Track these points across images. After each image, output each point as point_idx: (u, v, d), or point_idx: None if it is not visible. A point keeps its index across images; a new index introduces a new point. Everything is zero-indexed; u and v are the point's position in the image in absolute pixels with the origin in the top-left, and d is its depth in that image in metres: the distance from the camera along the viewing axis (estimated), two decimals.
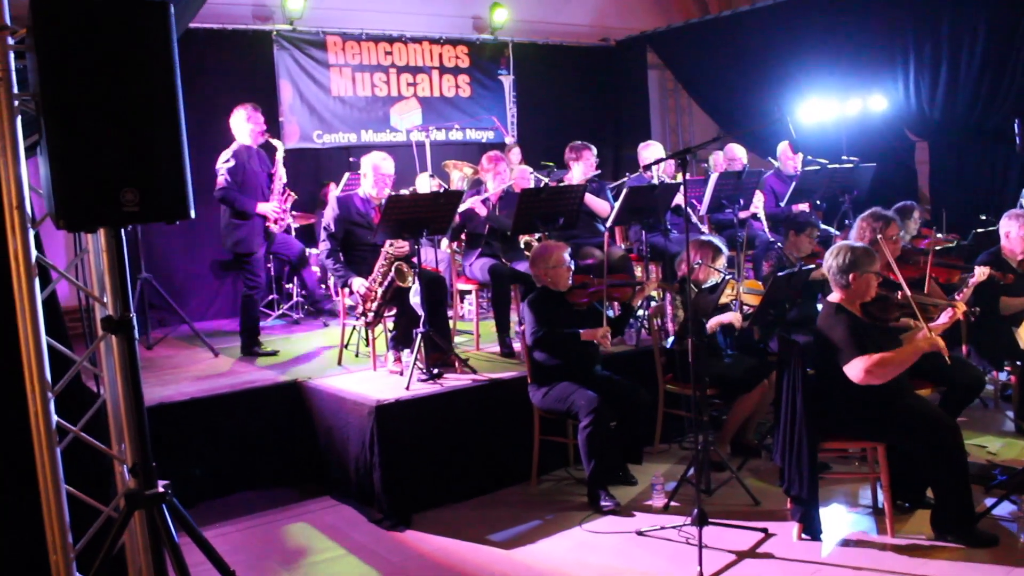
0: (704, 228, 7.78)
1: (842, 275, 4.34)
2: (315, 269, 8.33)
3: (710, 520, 4.34)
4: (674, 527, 4.55)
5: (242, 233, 6.58)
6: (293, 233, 8.32)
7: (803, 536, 4.38)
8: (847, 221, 7.76)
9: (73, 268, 3.53)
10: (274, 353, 6.61)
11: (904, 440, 4.29)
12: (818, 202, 7.81)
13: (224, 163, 6.53)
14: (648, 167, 6.91)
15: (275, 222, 6.67)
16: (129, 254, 7.63)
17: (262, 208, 6.59)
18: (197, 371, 6.27)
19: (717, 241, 5.70)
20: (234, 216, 6.57)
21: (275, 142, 6.84)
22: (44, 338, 3.15)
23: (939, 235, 6.73)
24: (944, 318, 4.39)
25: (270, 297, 8.26)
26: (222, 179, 6.50)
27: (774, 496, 4.77)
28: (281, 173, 6.75)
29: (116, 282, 3.07)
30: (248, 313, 6.75)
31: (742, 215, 7.47)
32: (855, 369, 4.14)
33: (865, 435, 4.38)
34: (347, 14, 9.57)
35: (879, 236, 5.11)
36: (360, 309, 5.86)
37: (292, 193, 6.87)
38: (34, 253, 3.12)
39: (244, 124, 6.65)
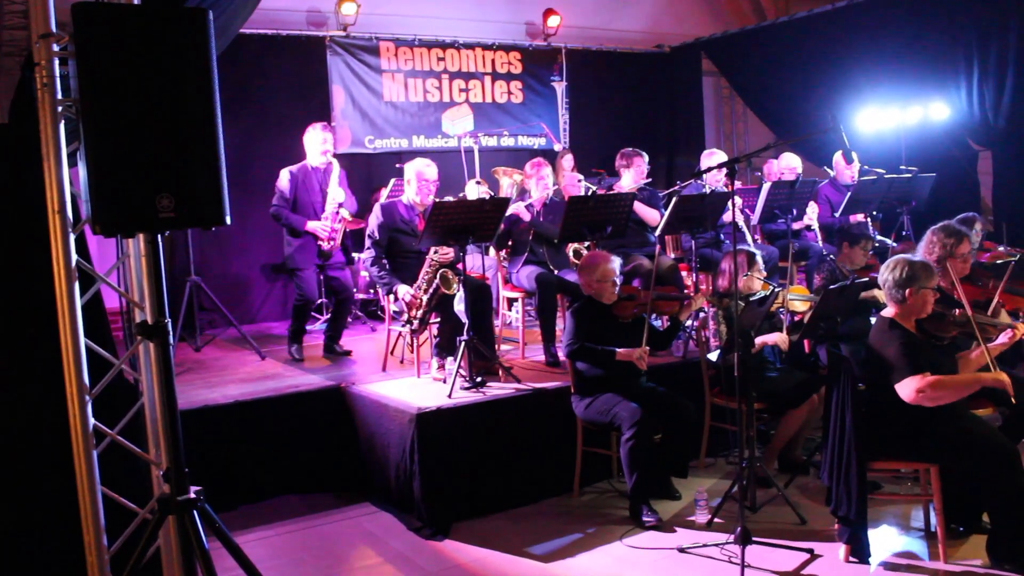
0: (755, 238, 7.63)
1: (898, 290, 4.19)
2: (364, 274, 8.36)
3: (754, 539, 4.24)
4: (716, 545, 4.45)
5: (291, 249, 6.70)
6: (350, 250, 8.38)
7: (851, 558, 4.24)
8: (904, 232, 7.56)
9: (115, 272, 3.56)
10: (301, 360, 6.67)
11: (958, 462, 4.12)
12: (875, 213, 7.61)
13: (279, 182, 6.67)
14: (698, 175, 6.81)
15: (326, 240, 6.66)
16: (179, 257, 7.81)
17: (311, 226, 6.62)
18: (243, 374, 6.33)
19: (750, 248, 5.58)
20: (289, 233, 6.70)
21: (333, 161, 6.80)
22: (83, 341, 3.18)
23: (1001, 248, 6.50)
24: (1003, 338, 4.23)
25: (318, 301, 8.29)
26: (276, 198, 6.66)
27: (821, 515, 4.64)
28: (335, 193, 6.69)
29: (153, 288, 3.08)
30: (295, 319, 6.86)
31: (795, 226, 7.31)
32: (907, 388, 4.00)
33: (917, 456, 4.22)
34: (400, 20, 9.61)
35: (948, 253, 4.91)
36: (406, 316, 5.85)
37: (344, 214, 6.73)
38: (74, 257, 3.15)
39: (312, 142, 6.74)
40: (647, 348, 5.03)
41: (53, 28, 3.08)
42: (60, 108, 3.10)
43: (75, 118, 2.93)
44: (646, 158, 7.18)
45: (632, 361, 4.98)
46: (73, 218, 3.19)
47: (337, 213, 6.71)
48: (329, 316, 7.15)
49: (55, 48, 3.08)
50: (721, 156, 7.79)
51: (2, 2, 6.43)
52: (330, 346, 6.94)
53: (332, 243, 6.71)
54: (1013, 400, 4.07)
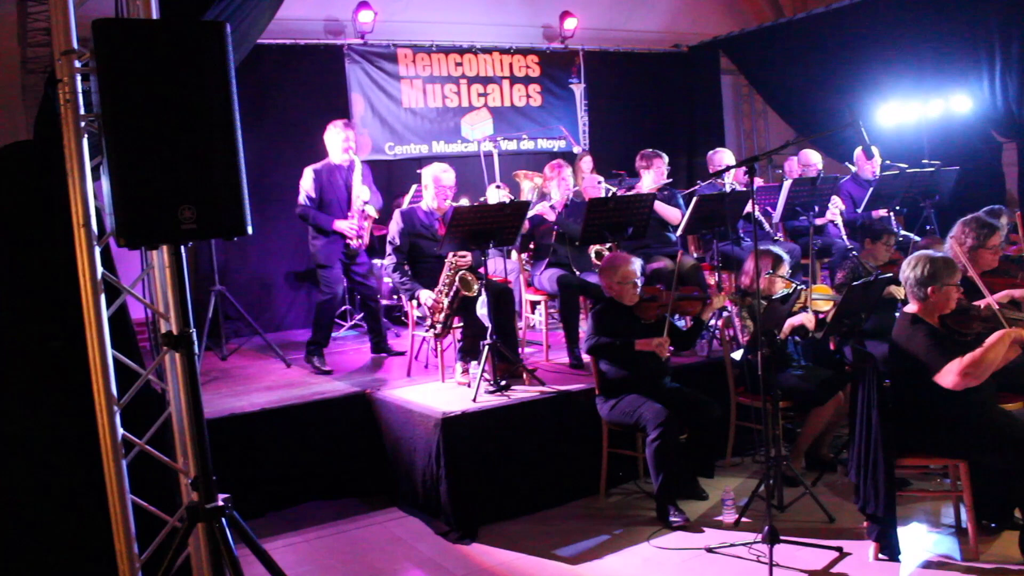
0: (779, 236, 7.60)
1: (920, 287, 4.16)
2: (387, 280, 8.40)
3: (782, 538, 4.22)
4: (744, 544, 4.44)
5: (319, 244, 6.72)
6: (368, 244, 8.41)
7: (880, 556, 4.21)
8: (928, 227, 7.50)
9: (140, 284, 3.61)
10: (329, 372, 6.57)
11: (987, 457, 4.08)
12: (898, 207, 7.55)
13: (303, 182, 6.66)
14: (718, 175, 6.79)
15: (354, 238, 6.67)
16: (204, 266, 7.87)
17: (338, 225, 6.63)
18: (269, 382, 6.37)
19: (777, 249, 5.56)
20: (315, 231, 6.72)
21: (355, 158, 6.81)
22: (110, 352, 3.22)
23: None
24: None
25: (343, 308, 8.34)
26: (301, 198, 6.66)
27: (850, 512, 4.60)
28: (359, 191, 6.71)
29: (177, 298, 3.12)
30: (319, 321, 6.80)
31: (818, 222, 7.27)
32: (950, 375, 3.93)
33: (945, 452, 4.19)
34: (417, 26, 9.64)
35: (981, 244, 4.87)
36: (429, 321, 5.87)
37: (369, 211, 6.77)
38: (100, 270, 3.19)
39: (332, 140, 6.74)
40: (667, 338, 5.01)
41: (75, 45, 3.13)
42: (83, 123, 3.15)
43: (98, 133, 2.98)
44: (666, 159, 7.18)
45: (653, 351, 4.98)
46: (98, 231, 3.24)
47: (363, 211, 6.73)
48: (366, 324, 7.23)
49: (77, 64, 3.13)
50: (728, 154, 7.77)
51: (25, 21, 6.56)
52: (379, 347, 7.03)
53: (360, 241, 6.73)
54: None
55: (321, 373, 6.51)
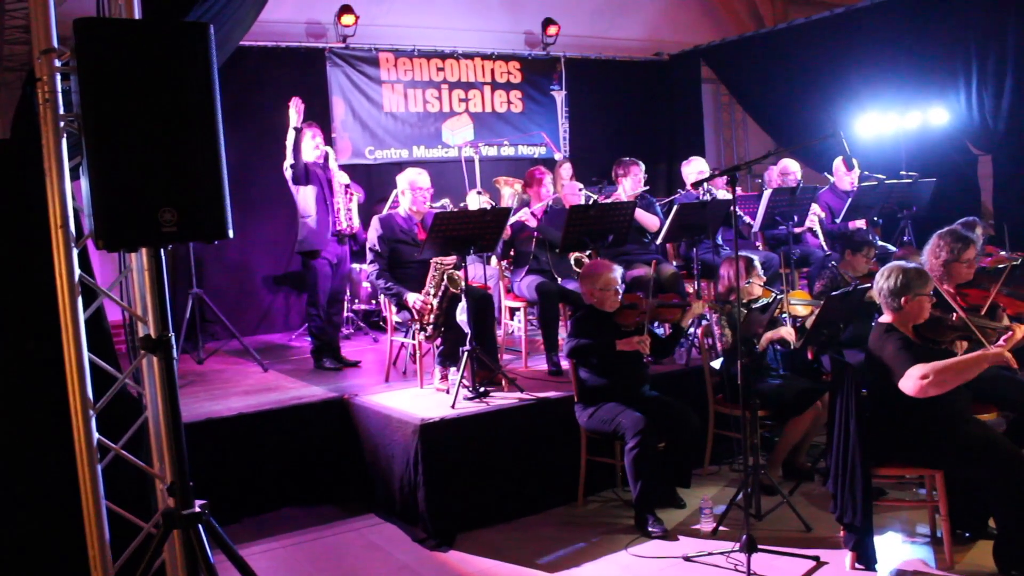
0: (758, 244, 7.63)
1: (894, 298, 4.19)
2: (365, 285, 8.36)
3: (759, 547, 4.24)
4: (722, 553, 4.43)
5: (305, 232, 6.72)
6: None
7: (857, 565, 4.22)
8: (905, 238, 7.56)
9: (117, 287, 3.56)
10: (337, 368, 6.67)
11: (963, 468, 4.11)
12: (875, 219, 7.61)
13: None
14: (698, 184, 6.81)
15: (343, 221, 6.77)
16: (181, 270, 7.82)
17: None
18: (246, 386, 6.32)
19: (748, 254, 5.59)
20: (301, 213, 6.74)
21: (326, 149, 6.92)
22: (86, 356, 3.18)
23: (1003, 252, 6.50)
24: (1002, 342, 4.21)
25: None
26: (288, 171, 6.70)
27: (827, 522, 4.61)
28: (339, 176, 6.84)
29: (156, 301, 3.09)
30: (315, 334, 6.84)
31: (796, 231, 7.31)
32: (911, 379, 3.94)
33: (921, 462, 4.21)
34: (399, 31, 9.64)
35: (955, 258, 4.91)
36: (418, 325, 5.84)
37: (354, 191, 6.89)
38: (77, 272, 3.15)
39: (305, 145, 6.80)
40: (647, 336, 5.02)
41: (55, 44, 3.09)
42: (62, 123, 3.11)
43: (77, 133, 2.94)
44: (643, 166, 7.21)
45: (633, 353, 4.99)
46: (76, 232, 3.19)
47: (348, 193, 6.82)
48: None
49: (57, 63, 3.09)
50: (700, 163, 7.83)
51: (3, 18, 6.48)
52: (318, 363, 6.88)
53: (349, 224, 6.81)
54: (1017, 368, 4.05)
55: (326, 368, 6.65)
